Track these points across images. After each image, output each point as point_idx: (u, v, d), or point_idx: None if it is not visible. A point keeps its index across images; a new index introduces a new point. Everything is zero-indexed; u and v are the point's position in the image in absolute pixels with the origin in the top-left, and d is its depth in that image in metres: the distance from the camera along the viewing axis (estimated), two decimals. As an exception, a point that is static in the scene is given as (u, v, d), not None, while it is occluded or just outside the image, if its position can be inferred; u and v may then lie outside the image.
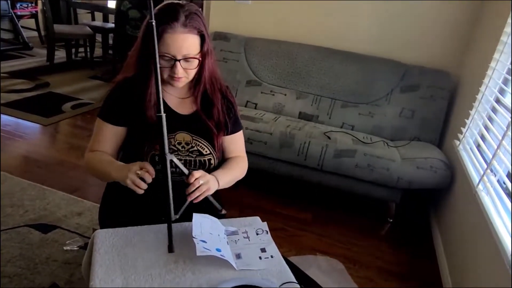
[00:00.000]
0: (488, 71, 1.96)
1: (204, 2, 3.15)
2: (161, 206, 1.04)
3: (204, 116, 1.21)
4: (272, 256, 1.11)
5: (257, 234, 1.18)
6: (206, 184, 1.07)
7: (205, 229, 1.11)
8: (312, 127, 2.45)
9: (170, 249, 1.02)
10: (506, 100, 1.72)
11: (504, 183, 1.54)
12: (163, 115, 1.00)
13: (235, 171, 1.27)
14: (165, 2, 1.11)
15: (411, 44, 2.68)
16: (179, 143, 1.20)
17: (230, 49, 2.84)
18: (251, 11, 2.94)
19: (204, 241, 1.06)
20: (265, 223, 1.22)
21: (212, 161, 1.24)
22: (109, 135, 1.20)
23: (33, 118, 3.16)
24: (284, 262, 1.16)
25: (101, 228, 1.31)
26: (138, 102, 1.15)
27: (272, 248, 1.14)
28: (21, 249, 1.78)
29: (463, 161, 1.93)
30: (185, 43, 1.07)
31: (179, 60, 1.07)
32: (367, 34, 2.75)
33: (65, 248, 1.82)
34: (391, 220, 2.39)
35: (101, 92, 3.93)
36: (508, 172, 1.51)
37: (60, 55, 4.85)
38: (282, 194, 2.54)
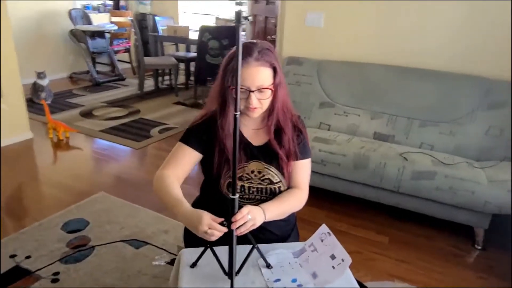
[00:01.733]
0: None
1: (278, 28, 3.28)
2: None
3: (275, 145, 1.28)
4: (343, 260, 1.11)
5: (322, 241, 1.18)
6: (252, 220, 1.11)
7: (274, 265, 1.17)
8: (387, 148, 2.40)
9: None
10: None
11: None
12: (236, 197, 1.04)
13: (287, 204, 1.29)
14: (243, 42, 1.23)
15: (495, 57, 2.49)
16: (252, 172, 1.28)
17: (303, 72, 2.92)
18: (323, 35, 3.00)
19: (278, 280, 1.12)
20: (324, 224, 1.21)
21: (282, 188, 1.31)
22: (184, 157, 1.29)
23: (126, 143, 3.54)
24: (355, 283, 1.17)
25: (185, 245, 1.44)
26: (218, 134, 1.26)
27: (340, 251, 1.13)
28: (116, 262, 2.00)
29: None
30: (259, 75, 1.17)
31: (253, 91, 1.17)
32: (445, 50, 2.63)
33: (154, 263, 2.01)
34: (480, 248, 2.21)
35: (184, 117, 4.26)
36: None
37: (148, 83, 5.37)
38: (357, 216, 2.50)
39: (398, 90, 2.65)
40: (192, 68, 5.18)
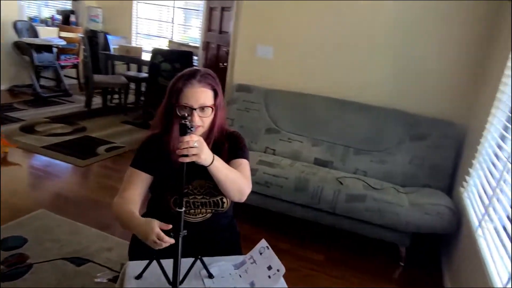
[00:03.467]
0: (487, 125, 2.11)
1: (229, 57, 3.47)
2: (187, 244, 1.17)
3: None
4: (278, 270, 1.22)
5: (261, 253, 1.30)
6: (197, 149, 1.13)
7: (216, 276, 1.27)
8: (326, 173, 2.62)
9: None
10: (502, 154, 1.85)
11: (504, 228, 1.63)
12: (182, 210, 1.14)
13: (235, 172, 1.33)
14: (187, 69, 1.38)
15: (419, 96, 2.87)
16: (195, 188, 1.39)
17: (252, 99, 3.11)
18: (271, 66, 3.23)
19: None
20: (263, 239, 1.32)
21: (224, 200, 1.42)
22: (138, 181, 1.37)
23: (71, 160, 3.46)
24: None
25: (130, 259, 1.49)
26: (165, 152, 1.35)
27: (276, 262, 1.24)
28: (57, 280, 1.97)
29: (466, 208, 2.04)
30: (201, 94, 1.31)
31: (195, 109, 1.30)
32: (379, 87, 2.97)
33: (96, 280, 2.00)
34: (403, 264, 2.46)
35: (133, 136, 4.25)
36: (508, 215, 1.61)
37: (96, 101, 5.28)
38: (298, 235, 2.66)
39: (337, 120, 2.92)
40: (143, 89, 5.20)
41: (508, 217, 1.57)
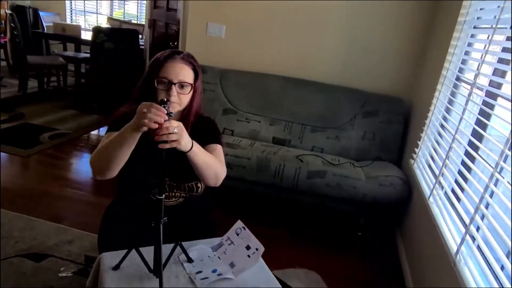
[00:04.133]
0: (433, 100, 2.29)
1: (180, 36, 3.36)
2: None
3: None
4: (257, 249, 1.26)
5: (237, 234, 1.33)
6: (177, 135, 1.11)
7: (196, 260, 1.29)
8: (285, 151, 2.68)
9: None
10: (448, 125, 2.03)
11: (453, 191, 1.79)
12: (163, 197, 1.13)
13: (212, 157, 1.33)
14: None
15: (370, 74, 3.02)
16: (170, 172, 1.37)
17: (207, 80, 3.06)
18: (225, 45, 3.19)
19: (200, 271, 1.23)
20: (239, 220, 1.35)
21: (199, 185, 1.42)
22: None
23: (12, 150, 3.20)
24: (270, 272, 1.35)
25: (101, 250, 1.44)
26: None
27: (254, 242, 1.28)
28: (15, 279, 1.85)
29: (417, 178, 2.22)
30: (182, 70, 1.30)
31: (175, 84, 1.27)
32: (332, 66, 3.07)
33: (60, 275, 1.91)
34: (360, 234, 2.63)
35: (78, 122, 4.01)
36: (457, 179, 1.78)
37: (31, 84, 4.87)
38: (261, 213, 2.73)
39: (293, 99, 2.98)
40: (83, 70, 4.88)
41: (456, 181, 1.75)
